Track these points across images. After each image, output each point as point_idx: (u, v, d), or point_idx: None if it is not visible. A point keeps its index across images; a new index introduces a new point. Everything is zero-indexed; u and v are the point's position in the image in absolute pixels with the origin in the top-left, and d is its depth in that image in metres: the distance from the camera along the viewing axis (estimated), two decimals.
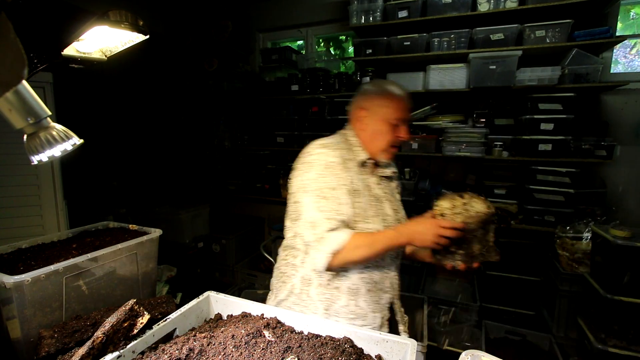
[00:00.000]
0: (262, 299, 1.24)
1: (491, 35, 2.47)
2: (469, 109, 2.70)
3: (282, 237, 1.30)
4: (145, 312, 0.84)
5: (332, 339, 0.81)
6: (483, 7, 2.44)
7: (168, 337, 0.86)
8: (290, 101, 3.28)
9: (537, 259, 2.47)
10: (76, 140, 0.87)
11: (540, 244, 2.48)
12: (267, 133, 3.29)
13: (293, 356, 0.73)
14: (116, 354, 0.73)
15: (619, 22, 2.48)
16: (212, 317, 0.96)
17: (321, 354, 0.74)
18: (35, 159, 0.82)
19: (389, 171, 1.31)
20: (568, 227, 2.22)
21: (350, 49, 3.72)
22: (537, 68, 2.35)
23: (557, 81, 2.33)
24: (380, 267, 1.19)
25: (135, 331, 0.80)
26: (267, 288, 1.38)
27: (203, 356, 0.74)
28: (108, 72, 2.99)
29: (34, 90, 0.79)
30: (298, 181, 1.14)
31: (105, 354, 0.72)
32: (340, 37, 3.76)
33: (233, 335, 0.80)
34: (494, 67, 2.41)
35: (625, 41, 2.42)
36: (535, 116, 2.38)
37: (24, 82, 0.74)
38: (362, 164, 1.21)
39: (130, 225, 1.34)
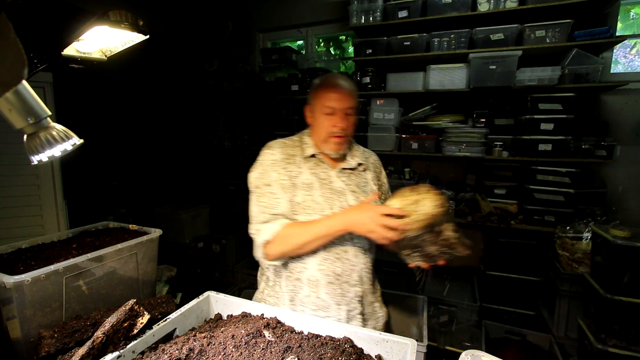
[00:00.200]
0: None
1: (491, 35, 2.47)
2: (469, 109, 2.70)
3: None
4: (145, 312, 0.84)
5: (332, 339, 0.81)
6: (483, 7, 2.44)
7: (168, 337, 0.86)
8: (290, 101, 3.29)
9: (537, 259, 2.47)
10: (76, 140, 0.87)
11: (540, 244, 2.48)
12: (267, 133, 3.29)
13: (293, 356, 0.73)
14: (116, 354, 0.73)
15: (619, 22, 2.48)
16: (212, 317, 0.97)
17: (321, 354, 0.74)
18: (35, 159, 0.82)
19: (354, 162, 1.28)
20: (568, 227, 2.22)
21: (350, 49, 3.72)
22: (537, 68, 2.35)
23: (557, 81, 2.33)
24: (342, 260, 1.17)
25: (135, 331, 0.80)
26: None
27: (203, 356, 0.74)
28: (108, 72, 2.99)
29: (34, 90, 0.79)
30: (248, 180, 1.25)
31: (105, 354, 0.72)
32: (340, 37, 3.76)
33: (233, 335, 0.80)
34: (494, 67, 2.41)
35: (625, 41, 2.41)
36: (535, 116, 2.38)
37: (24, 82, 0.74)
38: (310, 158, 1.25)
39: (130, 225, 1.34)
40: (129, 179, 3.31)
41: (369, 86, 2.88)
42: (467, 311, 2.47)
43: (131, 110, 3.34)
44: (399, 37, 2.70)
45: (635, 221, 2.40)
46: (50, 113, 0.83)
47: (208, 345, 0.78)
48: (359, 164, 1.29)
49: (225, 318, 0.95)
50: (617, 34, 2.44)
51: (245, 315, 0.93)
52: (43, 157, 0.82)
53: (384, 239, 1.00)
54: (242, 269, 3.28)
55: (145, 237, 1.20)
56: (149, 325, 0.83)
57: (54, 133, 0.82)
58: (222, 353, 0.75)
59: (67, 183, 2.62)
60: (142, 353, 0.77)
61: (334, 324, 0.85)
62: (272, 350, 0.75)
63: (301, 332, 0.86)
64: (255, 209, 1.18)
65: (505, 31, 2.42)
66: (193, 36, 3.54)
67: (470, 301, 2.53)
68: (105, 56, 1.00)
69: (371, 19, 2.76)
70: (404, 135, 2.80)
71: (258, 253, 1.17)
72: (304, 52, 3.57)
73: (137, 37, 0.90)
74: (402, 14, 2.65)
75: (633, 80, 2.34)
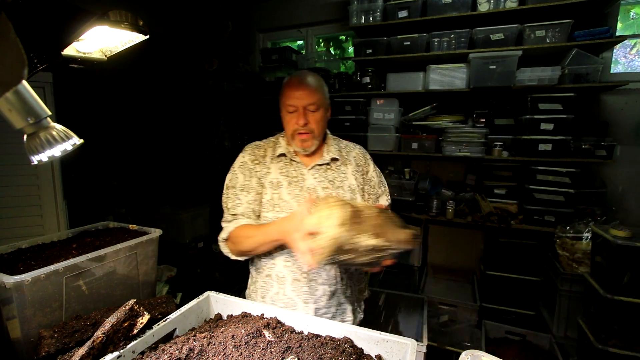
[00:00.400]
0: None
1: (491, 35, 2.47)
2: (469, 109, 2.70)
3: None
4: (145, 312, 0.84)
5: (332, 339, 0.81)
6: (483, 7, 2.44)
7: (168, 337, 0.86)
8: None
9: (537, 259, 2.47)
10: (76, 140, 0.87)
11: (540, 244, 2.48)
12: (267, 133, 3.27)
13: (293, 356, 0.73)
14: (116, 354, 0.73)
15: (619, 22, 2.48)
16: (212, 317, 0.96)
17: (321, 354, 0.74)
18: (35, 159, 0.82)
19: (328, 157, 1.26)
20: (568, 227, 2.23)
21: (350, 49, 3.72)
22: (537, 68, 2.35)
23: (557, 81, 2.33)
24: None
25: (135, 331, 0.80)
26: None
27: (203, 356, 0.74)
28: (108, 72, 2.98)
29: (34, 90, 0.79)
30: None
31: (105, 354, 0.72)
32: (340, 37, 3.76)
33: (233, 335, 0.80)
34: (494, 67, 2.41)
35: (625, 41, 2.41)
36: (535, 116, 2.38)
37: (24, 82, 0.74)
38: (281, 157, 1.27)
39: (130, 225, 1.34)
40: (129, 179, 3.31)
41: (369, 86, 2.88)
42: (467, 311, 2.47)
43: (131, 110, 3.33)
44: (399, 37, 2.70)
45: (635, 221, 2.40)
46: (50, 113, 0.82)
47: (208, 345, 0.78)
48: (333, 159, 1.27)
49: (225, 318, 0.95)
50: (617, 34, 2.44)
51: (245, 315, 0.93)
52: (43, 157, 0.82)
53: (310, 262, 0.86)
54: (243, 268, 3.27)
55: (145, 237, 1.20)
56: (149, 325, 0.83)
57: (54, 133, 0.82)
58: (222, 353, 0.75)
59: (67, 183, 2.62)
60: (142, 353, 0.77)
61: (334, 324, 0.85)
62: (272, 350, 0.75)
63: (301, 332, 0.85)
64: (224, 209, 1.26)
65: (505, 31, 2.42)
66: (193, 36, 3.54)
67: (470, 301, 2.53)
68: (105, 56, 1.00)
69: (371, 19, 2.76)
70: (404, 135, 2.80)
71: (221, 248, 1.25)
72: (304, 52, 3.57)
73: (137, 37, 0.90)
74: (402, 14, 2.65)
75: (633, 80, 2.34)
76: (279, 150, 1.28)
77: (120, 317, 0.78)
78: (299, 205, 1.18)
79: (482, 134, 2.56)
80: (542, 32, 2.35)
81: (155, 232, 1.26)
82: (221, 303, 0.98)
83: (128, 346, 0.76)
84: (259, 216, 1.23)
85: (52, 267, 0.92)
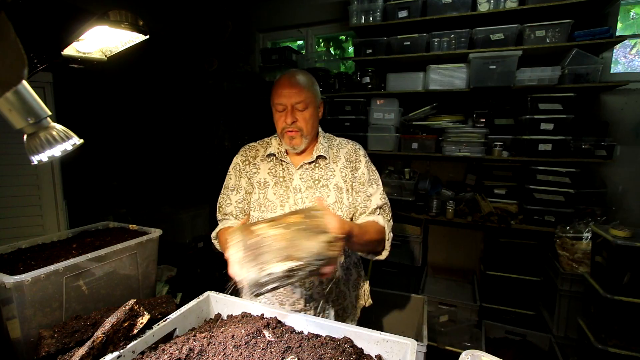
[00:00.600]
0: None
1: (491, 35, 2.47)
2: (469, 109, 2.70)
3: None
4: (145, 312, 0.84)
5: (332, 339, 0.81)
6: (483, 7, 2.44)
7: (168, 337, 0.86)
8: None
9: (537, 259, 2.47)
10: (76, 140, 0.87)
11: (540, 244, 2.48)
12: (267, 133, 3.28)
13: (293, 356, 0.73)
14: (116, 354, 0.73)
15: (619, 22, 2.48)
16: (212, 317, 0.96)
17: (321, 354, 0.74)
18: (35, 159, 0.82)
19: (314, 155, 1.25)
20: (568, 227, 2.22)
21: (350, 49, 3.72)
22: (537, 68, 2.35)
23: (557, 81, 2.33)
24: None
25: (135, 331, 0.80)
26: None
27: (203, 356, 0.74)
28: (108, 72, 2.98)
29: (34, 90, 0.79)
30: None
31: (105, 354, 0.72)
32: (340, 37, 3.76)
33: (233, 335, 0.80)
34: (494, 67, 2.41)
35: (625, 41, 2.42)
36: (535, 116, 2.38)
37: (24, 82, 0.74)
38: (270, 157, 1.29)
39: (130, 225, 1.34)
40: (129, 179, 3.31)
41: (369, 86, 2.88)
42: (467, 311, 2.47)
43: (131, 110, 3.34)
44: (399, 37, 2.70)
45: (635, 221, 2.40)
46: (50, 113, 0.82)
47: (208, 345, 0.78)
48: (320, 157, 1.25)
49: (225, 318, 0.95)
50: (617, 34, 2.44)
51: (245, 315, 0.93)
52: (43, 157, 0.82)
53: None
54: None
55: (145, 237, 1.20)
56: (149, 325, 0.83)
57: (54, 133, 0.82)
58: (222, 353, 0.75)
59: (67, 183, 2.62)
60: (142, 353, 0.77)
61: (334, 323, 0.85)
62: (272, 350, 0.75)
63: (301, 332, 0.85)
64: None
65: (505, 31, 2.42)
66: (193, 36, 3.54)
67: (470, 301, 2.53)
68: (105, 56, 1.00)
69: (371, 19, 2.76)
70: (404, 136, 2.80)
71: (215, 247, 1.30)
72: (304, 52, 3.57)
73: (137, 37, 0.90)
74: (402, 14, 2.65)
75: (633, 80, 2.34)
76: (269, 150, 1.29)
77: (120, 317, 0.78)
78: (282, 205, 1.21)
79: (482, 134, 2.56)
80: (542, 32, 2.35)
81: (155, 232, 1.26)
82: (221, 303, 0.98)
83: (128, 346, 0.76)
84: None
85: (52, 267, 0.92)
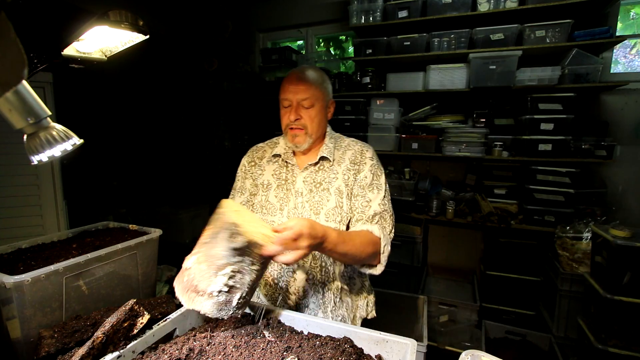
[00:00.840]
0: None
1: (491, 35, 2.47)
2: (469, 109, 2.70)
3: None
4: (145, 312, 0.84)
5: (332, 339, 0.81)
6: (483, 7, 2.44)
7: (168, 337, 0.86)
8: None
9: (537, 259, 2.47)
10: (76, 140, 0.87)
11: (540, 244, 2.48)
12: (267, 133, 3.28)
13: (293, 356, 0.73)
14: (116, 354, 0.73)
15: (619, 22, 2.48)
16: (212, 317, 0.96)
17: (321, 354, 0.74)
18: (35, 159, 0.82)
19: (318, 157, 1.20)
20: (568, 227, 2.22)
21: (350, 49, 3.72)
22: (537, 68, 2.35)
23: (557, 81, 2.33)
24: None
25: (135, 331, 0.80)
26: None
27: (203, 356, 0.74)
28: (108, 72, 2.99)
29: (34, 90, 0.79)
30: None
31: (105, 354, 0.72)
32: (340, 37, 3.76)
33: (233, 335, 0.80)
34: (494, 67, 2.41)
35: (625, 41, 2.41)
36: (535, 116, 2.38)
37: (24, 82, 0.74)
38: (276, 159, 1.27)
39: (130, 225, 1.34)
40: (129, 179, 3.31)
41: (369, 86, 2.88)
42: (467, 311, 2.47)
43: (131, 110, 3.34)
44: (399, 37, 2.70)
45: (635, 221, 2.40)
46: (50, 113, 0.82)
47: (208, 345, 0.78)
48: (323, 158, 1.20)
49: (226, 318, 0.95)
50: (617, 34, 2.44)
51: (245, 315, 0.93)
52: (43, 157, 0.82)
53: None
54: None
55: (145, 237, 1.20)
56: (149, 325, 0.83)
57: (54, 133, 0.82)
58: (222, 353, 0.75)
59: (67, 183, 2.62)
60: (142, 353, 0.77)
61: (334, 323, 0.85)
62: (272, 350, 0.75)
63: (301, 332, 0.85)
64: None
65: (505, 31, 2.42)
66: (193, 36, 3.55)
67: (470, 301, 2.53)
68: (105, 56, 1.00)
69: (371, 19, 2.76)
70: (404, 135, 2.80)
71: None
72: (304, 52, 3.57)
73: (137, 37, 0.90)
74: (402, 14, 2.65)
75: (633, 80, 2.34)
76: (276, 150, 1.27)
77: (120, 317, 0.78)
78: (281, 208, 1.18)
79: (482, 134, 2.56)
80: (542, 32, 2.35)
81: (155, 232, 1.26)
82: None
83: (128, 346, 0.76)
84: None
85: (52, 267, 0.92)
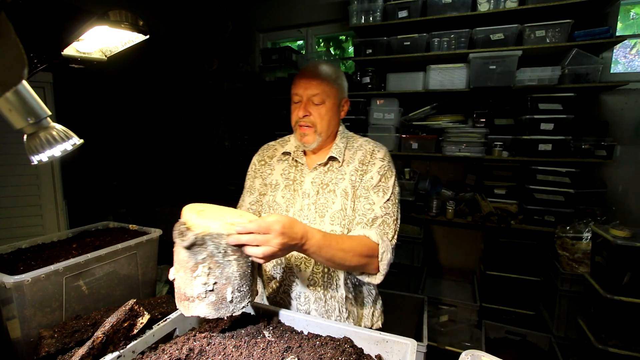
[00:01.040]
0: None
1: (491, 35, 2.47)
2: (469, 109, 2.70)
3: None
4: (145, 312, 0.84)
5: (332, 339, 0.81)
6: (483, 7, 2.44)
7: (168, 337, 0.86)
8: (290, 101, 3.29)
9: (537, 259, 2.47)
10: (76, 140, 0.87)
11: (540, 244, 2.48)
12: (267, 133, 3.29)
13: (293, 356, 0.73)
14: (116, 354, 0.73)
15: (619, 22, 2.48)
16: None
17: (321, 354, 0.74)
18: (35, 159, 0.82)
19: (326, 157, 1.16)
20: (568, 227, 2.23)
21: (350, 49, 3.72)
22: (537, 68, 2.35)
23: (557, 81, 2.33)
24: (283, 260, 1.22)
25: (135, 331, 0.80)
26: None
27: (203, 356, 0.74)
28: (108, 72, 2.99)
29: (34, 90, 0.79)
30: None
31: (105, 354, 0.72)
32: (340, 37, 3.76)
33: (233, 335, 0.80)
34: (494, 67, 2.41)
35: (625, 41, 2.41)
36: (535, 116, 2.38)
37: (24, 82, 0.74)
38: (286, 157, 1.24)
39: (130, 225, 1.34)
40: (129, 179, 3.31)
41: (369, 86, 2.88)
42: (467, 311, 2.47)
43: (131, 110, 3.34)
44: (399, 37, 2.70)
45: (635, 221, 2.40)
46: (50, 113, 0.82)
47: (208, 345, 0.78)
48: (331, 158, 1.16)
49: (225, 318, 0.95)
50: (617, 34, 2.44)
51: (245, 315, 0.93)
52: (43, 157, 0.82)
53: None
54: None
55: (145, 237, 1.20)
56: (149, 325, 0.83)
57: (54, 133, 0.82)
58: (222, 353, 0.75)
59: (67, 183, 2.62)
60: (142, 353, 0.77)
61: (334, 323, 0.85)
62: (272, 350, 0.75)
63: (301, 332, 0.85)
64: None
65: (505, 31, 2.42)
66: (193, 36, 3.55)
67: (470, 301, 2.53)
68: (105, 56, 1.00)
69: (371, 19, 2.76)
70: (404, 135, 2.80)
71: None
72: (304, 52, 3.57)
73: (137, 37, 0.90)
74: (402, 14, 2.65)
75: (633, 80, 2.34)
76: (286, 148, 1.23)
77: (120, 317, 0.78)
78: (287, 209, 1.15)
79: (482, 134, 2.56)
80: (542, 32, 2.34)
81: (155, 232, 1.26)
82: None
83: (128, 346, 0.76)
84: None
85: (52, 267, 0.92)
